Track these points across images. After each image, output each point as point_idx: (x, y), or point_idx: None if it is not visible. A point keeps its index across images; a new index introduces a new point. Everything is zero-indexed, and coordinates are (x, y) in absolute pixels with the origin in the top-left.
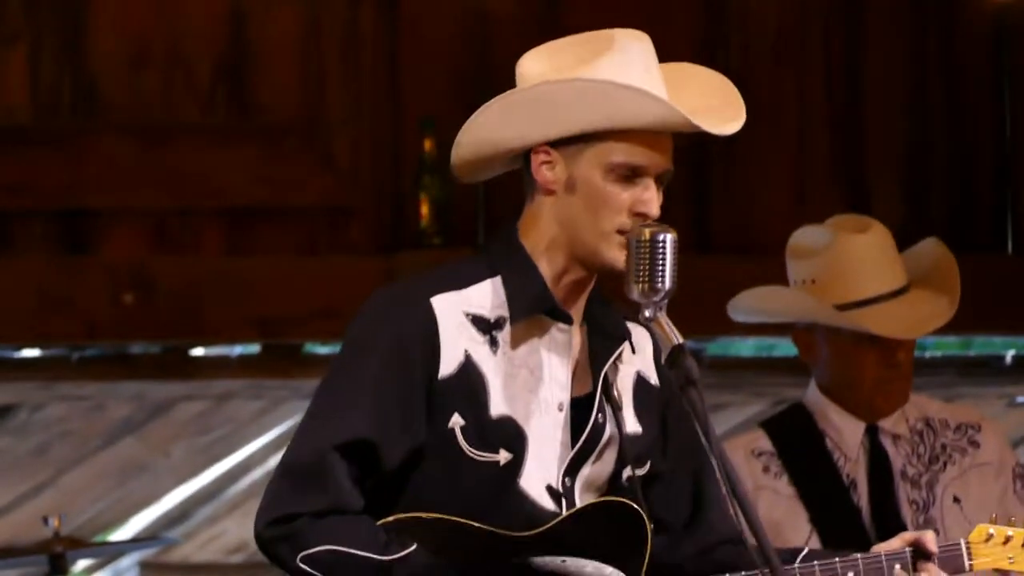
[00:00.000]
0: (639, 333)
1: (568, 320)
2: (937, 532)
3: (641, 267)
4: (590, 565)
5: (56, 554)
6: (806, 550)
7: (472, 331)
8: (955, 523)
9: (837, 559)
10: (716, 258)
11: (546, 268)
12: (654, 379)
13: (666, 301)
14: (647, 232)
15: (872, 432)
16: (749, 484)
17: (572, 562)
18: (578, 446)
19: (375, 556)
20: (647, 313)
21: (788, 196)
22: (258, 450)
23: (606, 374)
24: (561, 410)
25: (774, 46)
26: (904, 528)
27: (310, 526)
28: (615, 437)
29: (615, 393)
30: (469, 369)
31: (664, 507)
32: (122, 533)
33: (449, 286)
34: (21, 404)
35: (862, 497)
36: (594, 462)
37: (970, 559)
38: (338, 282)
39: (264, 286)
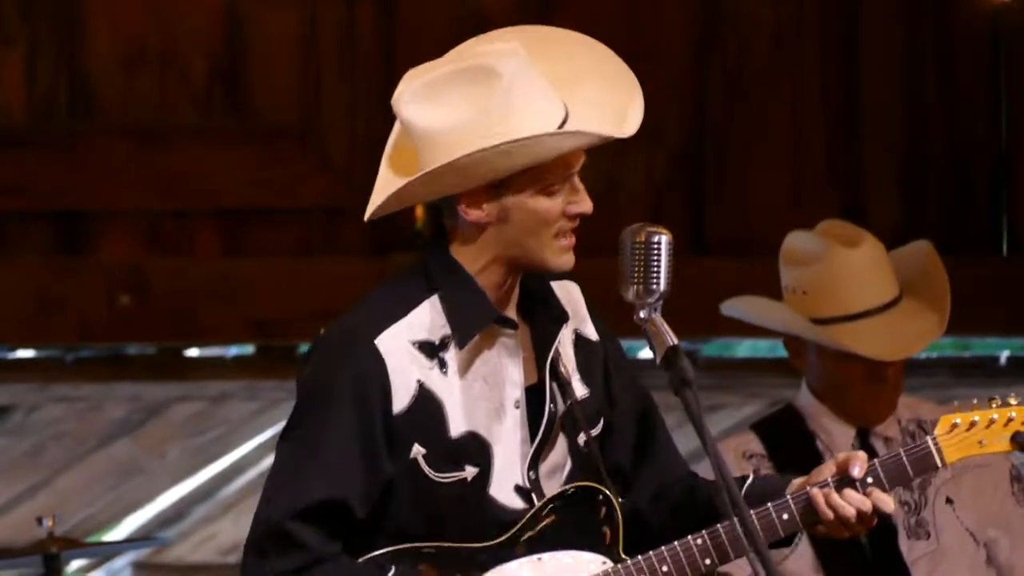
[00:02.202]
0: (569, 291)
1: (514, 326)
2: (928, 535)
3: (636, 268)
4: (567, 556)
5: (50, 554)
6: (750, 479)
7: (421, 358)
8: (948, 524)
9: (770, 505)
10: (711, 260)
11: (485, 280)
12: (592, 334)
13: (661, 302)
14: (642, 233)
15: (863, 434)
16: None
17: (548, 556)
18: (538, 439)
19: None
20: (642, 314)
21: (784, 197)
22: (253, 451)
23: (552, 356)
24: (518, 407)
25: (770, 47)
26: (895, 531)
27: None
28: (564, 416)
29: (562, 369)
30: (424, 398)
31: (618, 453)
32: (117, 533)
33: (390, 318)
34: (17, 405)
35: None
36: (551, 449)
37: (940, 455)
38: (333, 283)
39: (259, 287)
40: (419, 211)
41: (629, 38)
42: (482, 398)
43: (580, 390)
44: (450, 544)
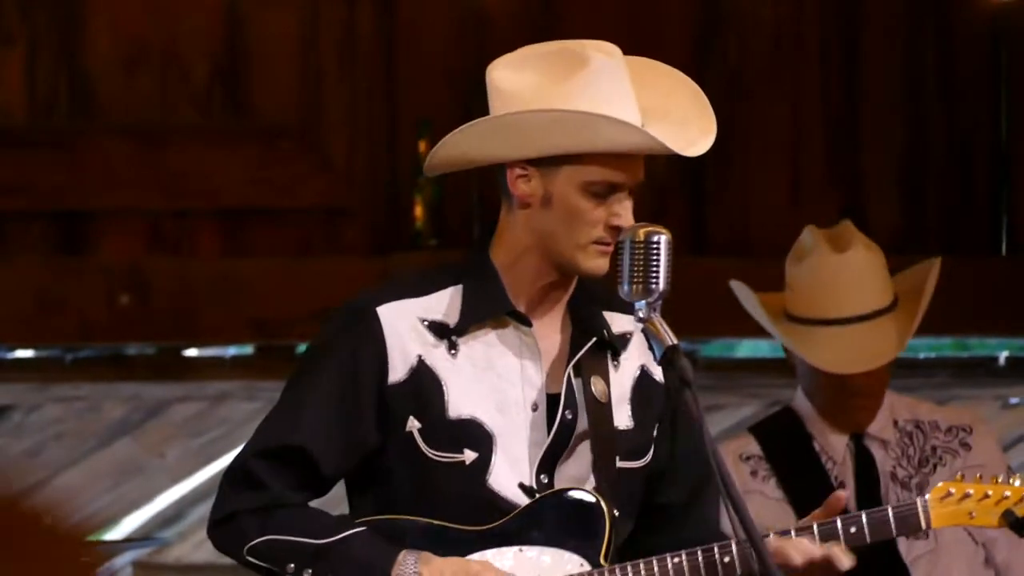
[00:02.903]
0: None
1: (527, 323)
2: (927, 534)
3: (635, 267)
4: (547, 553)
5: None
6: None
7: (427, 336)
8: None
9: (715, 546)
10: (712, 259)
11: (516, 274)
12: (658, 374)
13: (660, 302)
14: (641, 232)
15: (857, 438)
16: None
17: (528, 551)
18: (547, 443)
19: (311, 541)
20: (641, 314)
21: (784, 198)
22: None
23: (583, 371)
24: (535, 410)
25: (770, 47)
26: None
27: (250, 520)
28: (590, 433)
29: (594, 389)
30: (422, 373)
31: (662, 496)
32: (116, 533)
33: (404, 294)
34: (16, 405)
35: (850, 499)
36: (569, 458)
37: (928, 518)
38: (333, 283)
39: (259, 287)
40: (419, 211)
41: (629, 38)
42: (493, 389)
43: (623, 420)
44: (432, 521)
